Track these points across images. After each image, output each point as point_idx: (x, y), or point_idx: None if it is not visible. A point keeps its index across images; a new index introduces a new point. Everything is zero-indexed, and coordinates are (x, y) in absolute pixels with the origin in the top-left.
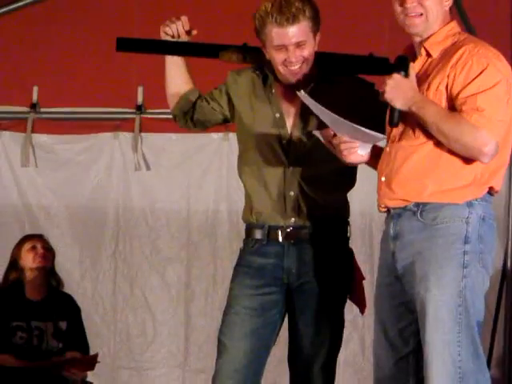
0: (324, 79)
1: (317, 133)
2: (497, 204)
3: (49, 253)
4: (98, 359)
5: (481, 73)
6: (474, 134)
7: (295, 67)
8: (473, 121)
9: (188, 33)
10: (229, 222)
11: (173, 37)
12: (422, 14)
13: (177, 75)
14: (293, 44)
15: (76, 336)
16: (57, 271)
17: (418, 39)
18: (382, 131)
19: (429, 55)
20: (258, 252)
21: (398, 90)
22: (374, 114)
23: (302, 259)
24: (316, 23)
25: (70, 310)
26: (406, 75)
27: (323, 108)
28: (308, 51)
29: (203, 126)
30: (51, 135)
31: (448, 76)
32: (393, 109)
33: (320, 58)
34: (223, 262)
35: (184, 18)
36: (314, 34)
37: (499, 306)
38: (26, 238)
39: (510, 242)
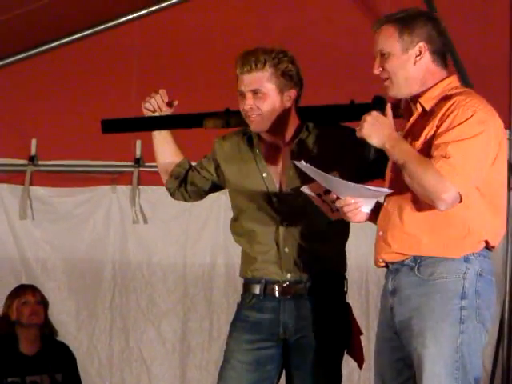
0: (308, 133)
1: (305, 189)
2: (494, 260)
3: (41, 306)
4: None
5: (462, 122)
6: (435, 179)
7: (251, 115)
8: (438, 166)
9: (169, 104)
10: (226, 275)
11: (154, 111)
12: (388, 78)
13: (165, 149)
14: (248, 91)
15: None
16: (52, 322)
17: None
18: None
19: (424, 110)
20: (254, 307)
21: (374, 127)
22: (360, 159)
23: (299, 314)
24: (284, 78)
25: (65, 360)
26: (383, 114)
27: (324, 173)
28: (266, 103)
29: (198, 196)
30: (49, 188)
31: (437, 126)
32: (368, 145)
33: (302, 112)
34: (219, 316)
35: (162, 91)
36: (277, 87)
37: (496, 362)
38: (18, 291)
39: (507, 298)
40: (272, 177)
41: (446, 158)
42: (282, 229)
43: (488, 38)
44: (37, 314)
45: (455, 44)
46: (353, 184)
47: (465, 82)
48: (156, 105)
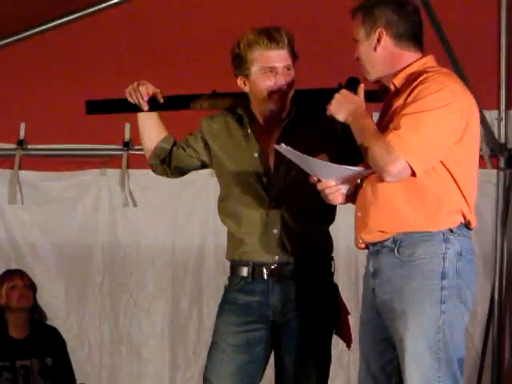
0: (298, 115)
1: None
2: (484, 240)
3: (29, 290)
4: None
5: (425, 97)
6: (382, 151)
7: (281, 92)
8: (388, 138)
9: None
10: (215, 258)
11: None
12: (358, 59)
13: (150, 126)
14: (282, 67)
15: (62, 370)
16: (41, 306)
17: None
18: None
19: (396, 88)
20: (243, 289)
21: (342, 104)
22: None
23: (287, 296)
24: (295, 58)
25: (55, 343)
26: (355, 94)
27: (304, 156)
28: (291, 81)
29: (181, 173)
30: (38, 172)
31: (404, 101)
32: (336, 122)
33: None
34: (209, 299)
35: (143, 90)
36: (294, 66)
37: (487, 342)
38: (6, 276)
39: (497, 277)
40: (262, 157)
41: (396, 129)
42: (271, 210)
43: (476, 18)
44: (26, 297)
45: (442, 24)
46: (334, 165)
47: (453, 63)
48: (137, 101)
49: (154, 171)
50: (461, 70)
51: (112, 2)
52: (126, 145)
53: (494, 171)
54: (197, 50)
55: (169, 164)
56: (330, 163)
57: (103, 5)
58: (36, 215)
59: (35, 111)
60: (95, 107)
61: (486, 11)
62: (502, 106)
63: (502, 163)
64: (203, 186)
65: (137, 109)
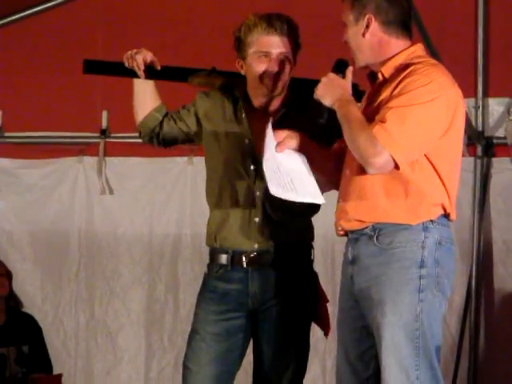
0: (295, 104)
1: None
2: (461, 228)
3: (5, 278)
4: None
5: (412, 90)
6: (367, 143)
7: (274, 79)
8: (374, 131)
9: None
10: (192, 246)
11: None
12: (346, 42)
13: (145, 92)
14: (276, 53)
15: (39, 358)
16: (17, 294)
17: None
18: None
19: (384, 78)
20: (222, 277)
21: (328, 88)
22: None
23: (267, 284)
24: (297, 47)
25: (31, 331)
26: (343, 77)
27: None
28: (287, 68)
29: (168, 145)
30: (15, 159)
31: (391, 93)
32: (322, 106)
33: (291, 84)
34: (185, 287)
35: (139, 58)
36: (294, 55)
37: (464, 330)
38: None
39: (474, 266)
40: (253, 143)
41: (382, 122)
42: (256, 197)
43: (452, 3)
44: (1, 285)
45: (418, 9)
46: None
47: (430, 48)
48: (134, 68)
49: (141, 138)
50: (437, 57)
51: None
52: (103, 132)
53: (472, 159)
54: (190, 24)
55: (158, 133)
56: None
57: None
58: (12, 203)
59: (12, 99)
60: (93, 67)
61: None
62: (479, 94)
63: (479, 151)
64: (180, 173)
65: (134, 74)
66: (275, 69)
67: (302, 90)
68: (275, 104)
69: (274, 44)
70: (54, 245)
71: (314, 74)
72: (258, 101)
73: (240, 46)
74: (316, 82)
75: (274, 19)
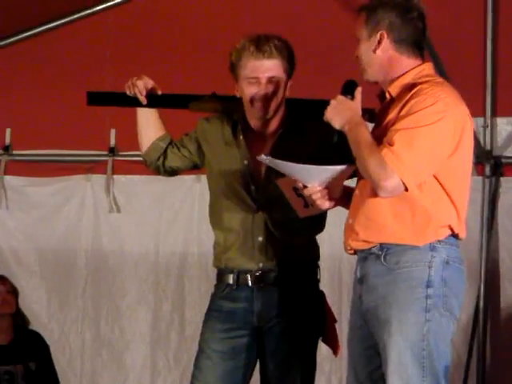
0: (293, 125)
1: (278, 182)
2: (469, 247)
3: (12, 296)
4: None
5: (419, 111)
6: (377, 166)
7: (263, 102)
8: (383, 153)
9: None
10: (198, 264)
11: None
12: (358, 57)
13: (149, 122)
14: (265, 78)
15: (46, 375)
16: (23, 311)
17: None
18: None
19: (391, 97)
20: (228, 297)
21: (337, 110)
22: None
23: (272, 302)
24: (291, 68)
25: (38, 348)
26: (352, 98)
27: (286, 162)
28: (279, 91)
29: (173, 173)
30: (23, 177)
31: (398, 113)
32: (333, 129)
33: (289, 104)
34: (191, 305)
35: (140, 84)
36: (287, 77)
37: (472, 350)
38: None
39: (482, 285)
40: (253, 165)
41: (390, 145)
42: (257, 218)
43: (462, 23)
44: (8, 303)
45: (428, 29)
46: (315, 167)
47: (439, 69)
48: (136, 95)
49: (147, 166)
50: (446, 77)
51: (100, 7)
52: (111, 150)
53: (480, 178)
54: (195, 51)
55: (163, 162)
56: (311, 166)
57: (91, 10)
58: (20, 220)
59: (21, 117)
60: (96, 99)
61: (472, 16)
62: (488, 113)
63: (487, 170)
64: (187, 192)
65: (136, 103)
66: (265, 92)
67: (299, 111)
68: (273, 125)
69: (262, 68)
70: (61, 262)
71: (321, 93)
72: (254, 123)
73: (233, 69)
74: (320, 102)
75: (263, 43)
